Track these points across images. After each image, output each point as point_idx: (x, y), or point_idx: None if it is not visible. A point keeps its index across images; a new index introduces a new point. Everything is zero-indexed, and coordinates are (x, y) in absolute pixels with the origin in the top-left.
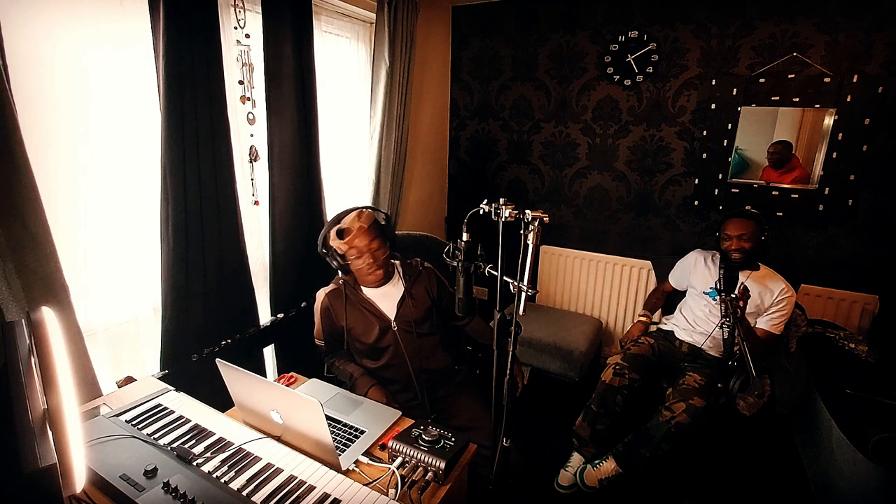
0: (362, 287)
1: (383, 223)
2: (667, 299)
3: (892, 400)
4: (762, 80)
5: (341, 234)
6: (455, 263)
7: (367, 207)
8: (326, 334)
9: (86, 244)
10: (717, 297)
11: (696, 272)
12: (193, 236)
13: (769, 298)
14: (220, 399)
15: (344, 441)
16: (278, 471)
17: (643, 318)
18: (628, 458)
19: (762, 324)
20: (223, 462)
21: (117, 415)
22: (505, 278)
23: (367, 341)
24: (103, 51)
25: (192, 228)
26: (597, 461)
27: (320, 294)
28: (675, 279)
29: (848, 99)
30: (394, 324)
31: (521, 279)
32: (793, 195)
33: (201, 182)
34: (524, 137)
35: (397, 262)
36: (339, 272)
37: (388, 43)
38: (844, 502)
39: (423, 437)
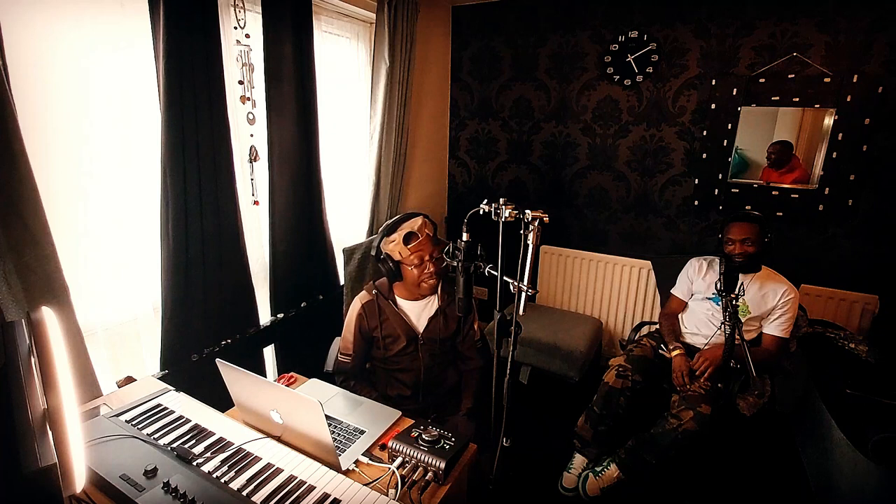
0: (397, 298)
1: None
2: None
3: (892, 400)
4: (762, 80)
5: (408, 240)
6: (455, 263)
7: (422, 215)
8: (357, 345)
9: (86, 244)
10: (721, 301)
11: (697, 278)
12: (193, 236)
13: (773, 300)
14: (220, 399)
15: (344, 441)
16: (278, 471)
17: (680, 351)
18: (633, 466)
19: (770, 330)
20: (223, 462)
21: (117, 415)
22: (505, 278)
23: (393, 349)
24: (103, 51)
25: (192, 228)
26: (598, 469)
27: (356, 303)
28: (681, 291)
29: (848, 99)
30: (420, 338)
31: (521, 279)
32: (793, 195)
33: (201, 182)
34: (524, 137)
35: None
36: (374, 279)
37: (388, 43)
38: (844, 502)
39: (423, 437)
